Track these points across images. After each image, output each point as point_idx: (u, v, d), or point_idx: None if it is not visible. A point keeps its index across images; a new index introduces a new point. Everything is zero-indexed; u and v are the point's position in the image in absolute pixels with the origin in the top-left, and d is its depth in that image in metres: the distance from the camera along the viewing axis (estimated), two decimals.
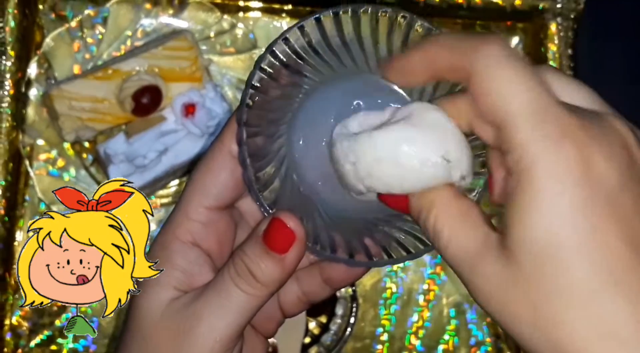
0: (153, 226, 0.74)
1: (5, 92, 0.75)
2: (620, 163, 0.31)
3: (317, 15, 0.41)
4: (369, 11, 0.41)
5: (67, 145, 0.75)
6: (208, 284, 0.42)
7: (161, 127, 0.71)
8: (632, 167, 0.32)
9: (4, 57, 0.75)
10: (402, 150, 0.37)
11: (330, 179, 0.42)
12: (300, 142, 0.44)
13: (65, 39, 0.75)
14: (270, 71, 0.41)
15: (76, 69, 0.75)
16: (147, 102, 0.71)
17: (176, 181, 0.76)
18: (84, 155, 0.75)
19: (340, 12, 0.41)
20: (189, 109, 0.71)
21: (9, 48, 0.75)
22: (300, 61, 0.42)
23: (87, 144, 0.75)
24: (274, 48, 0.41)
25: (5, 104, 0.74)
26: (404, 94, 0.44)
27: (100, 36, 0.76)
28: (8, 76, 0.75)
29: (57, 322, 0.75)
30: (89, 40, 0.76)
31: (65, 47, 0.75)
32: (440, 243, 0.35)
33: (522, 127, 0.31)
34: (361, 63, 0.44)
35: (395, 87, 0.43)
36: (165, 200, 0.76)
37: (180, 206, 0.43)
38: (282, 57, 0.41)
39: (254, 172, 0.41)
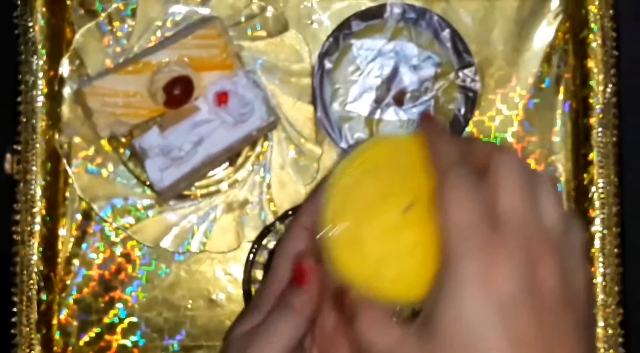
0: (194, 218, 0.73)
1: (39, 92, 0.74)
2: (519, 278, 0.39)
3: None
4: None
5: (104, 141, 0.74)
6: None
7: (195, 117, 0.70)
8: (530, 280, 0.39)
9: (35, 56, 0.74)
10: None
11: None
12: None
13: (95, 34, 0.75)
14: None
15: (108, 63, 0.75)
16: (178, 93, 0.70)
17: (215, 171, 0.75)
18: (121, 150, 0.75)
19: None
20: (222, 98, 0.70)
21: (39, 46, 0.75)
22: None
23: (123, 139, 0.75)
24: None
25: (39, 103, 0.74)
26: None
27: (130, 29, 0.75)
28: (41, 74, 0.74)
29: (106, 319, 0.75)
30: (119, 34, 0.75)
31: (95, 42, 0.75)
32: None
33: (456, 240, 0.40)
34: None
35: None
36: (204, 191, 0.75)
37: None
38: None
39: None
